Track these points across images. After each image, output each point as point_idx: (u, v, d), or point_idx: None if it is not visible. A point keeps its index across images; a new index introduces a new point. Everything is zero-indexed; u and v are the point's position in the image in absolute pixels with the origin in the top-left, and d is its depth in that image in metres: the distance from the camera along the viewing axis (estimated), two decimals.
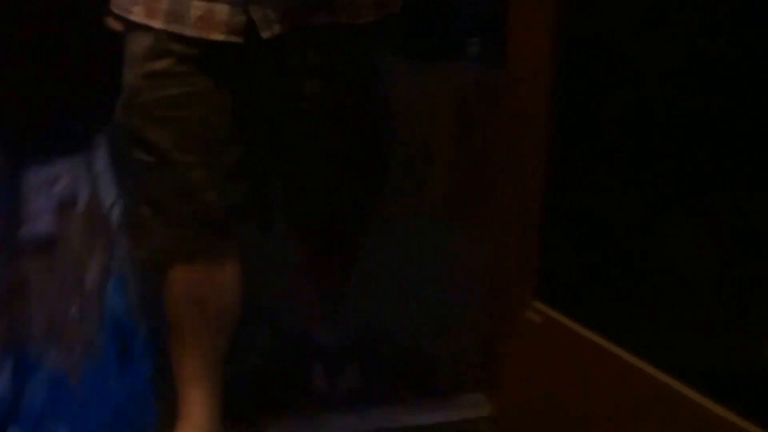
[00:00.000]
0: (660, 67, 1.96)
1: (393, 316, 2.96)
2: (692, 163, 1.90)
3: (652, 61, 1.97)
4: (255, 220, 2.09)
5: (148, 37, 1.91)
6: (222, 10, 1.86)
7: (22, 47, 2.56)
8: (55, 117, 2.61)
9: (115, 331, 2.38)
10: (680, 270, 1.95)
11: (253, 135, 1.99)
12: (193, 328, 2.04)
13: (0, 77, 2.51)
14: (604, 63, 2.05)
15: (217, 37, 1.87)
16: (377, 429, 2.41)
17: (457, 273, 3.33)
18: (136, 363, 2.34)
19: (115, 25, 2.00)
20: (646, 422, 1.94)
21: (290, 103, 2.01)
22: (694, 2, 1.87)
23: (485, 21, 4.33)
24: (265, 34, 1.87)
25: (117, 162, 2.43)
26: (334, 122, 2.06)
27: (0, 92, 2.51)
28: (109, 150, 2.51)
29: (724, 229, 1.88)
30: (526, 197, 2.13)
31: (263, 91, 1.97)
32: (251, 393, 2.47)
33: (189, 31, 1.87)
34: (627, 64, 2.03)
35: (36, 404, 2.28)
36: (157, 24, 1.90)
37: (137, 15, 1.91)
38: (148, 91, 1.94)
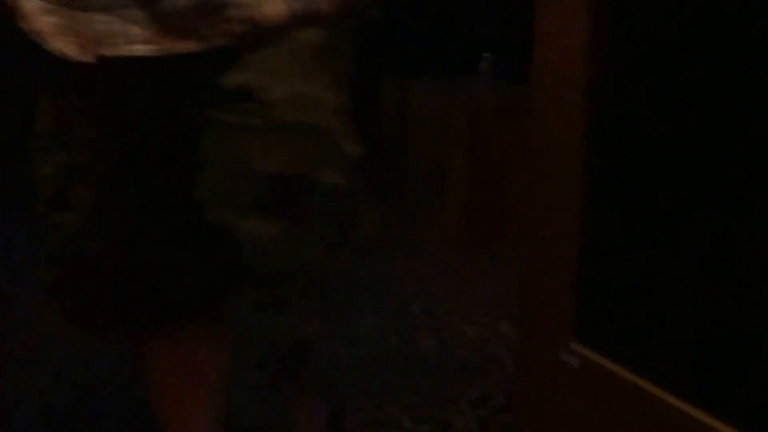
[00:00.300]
0: (703, 84, 1.76)
1: (410, 354, 2.80)
2: (740, 197, 1.71)
3: (694, 80, 1.77)
4: None
5: None
6: None
7: None
8: None
9: None
10: (734, 310, 1.75)
11: None
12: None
13: None
14: (643, 94, 1.85)
15: None
16: None
17: (478, 306, 3.17)
18: None
19: None
20: None
21: None
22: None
23: (496, 37, 4.42)
24: None
25: None
26: None
27: None
28: None
29: None
30: (562, 228, 1.93)
31: None
32: None
33: None
34: (666, 90, 1.83)
35: None
36: None
37: None
38: None
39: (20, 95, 2.07)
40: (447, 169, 3.96)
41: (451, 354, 2.81)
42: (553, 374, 1.98)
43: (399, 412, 2.47)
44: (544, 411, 2.06)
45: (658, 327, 1.86)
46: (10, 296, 3.07)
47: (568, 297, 1.93)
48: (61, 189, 1.55)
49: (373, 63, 1.91)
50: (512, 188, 3.81)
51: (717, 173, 1.74)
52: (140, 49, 1.41)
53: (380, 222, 4.19)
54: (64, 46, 1.40)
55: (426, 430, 2.41)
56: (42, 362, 2.68)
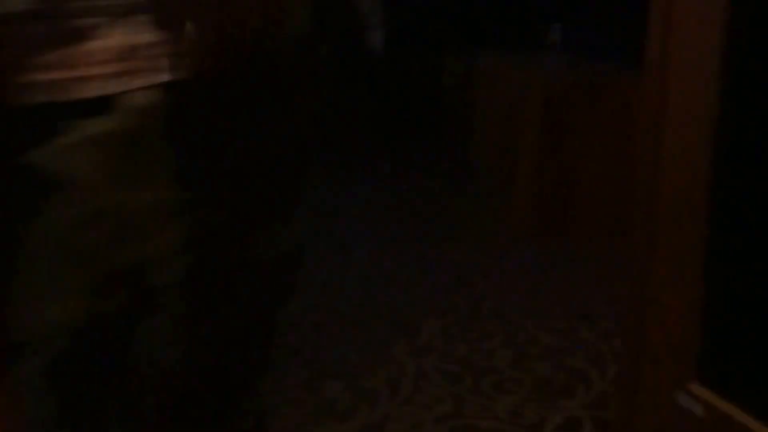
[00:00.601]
0: None
1: (482, 366, 2.52)
2: None
3: None
4: None
5: None
6: None
7: None
8: None
9: None
10: None
11: None
12: None
13: None
14: None
15: None
16: None
17: (554, 307, 2.89)
18: None
19: None
20: None
21: None
22: None
23: (565, 7, 4.15)
24: None
25: None
26: None
27: None
28: None
29: None
30: (686, 241, 1.63)
31: None
32: None
33: None
34: None
35: None
36: None
37: None
38: None
39: None
40: (516, 151, 3.69)
41: (528, 367, 2.53)
42: (667, 418, 1.69)
43: None
44: None
45: None
46: None
47: (692, 330, 1.63)
48: None
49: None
50: (587, 172, 3.52)
51: None
52: None
53: (443, 209, 3.93)
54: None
55: None
56: None
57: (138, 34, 0.97)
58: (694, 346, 1.62)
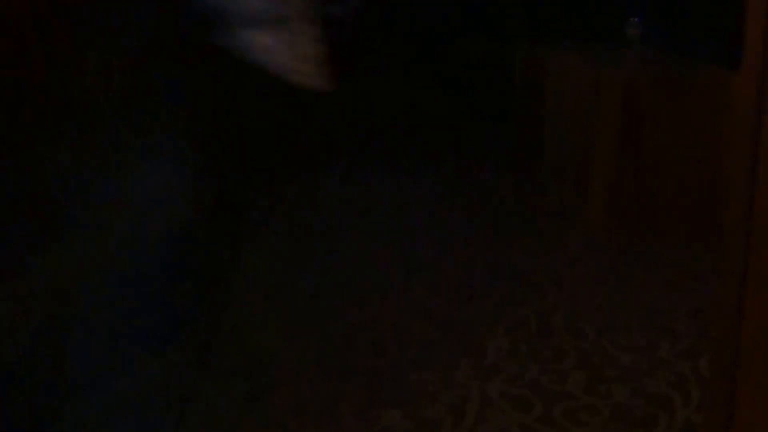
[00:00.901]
0: None
1: (555, 389, 2.31)
2: None
3: None
4: None
5: None
6: None
7: None
8: None
9: None
10: None
11: None
12: None
13: None
14: None
15: None
16: None
17: (631, 321, 2.67)
18: None
19: None
20: None
21: None
22: None
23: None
24: None
25: None
26: None
27: None
28: None
29: None
30: None
31: None
32: None
33: None
34: None
35: None
36: None
37: None
38: None
39: None
40: (592, 149, 3.47)
41: (604, 392, 2.31)
42: None
43: None
44: None
45: None
46: None
47: None
48: None
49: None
50: (667, 173, 3.30)
51: None
52: None
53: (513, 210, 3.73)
54: None
55: None
56: None
57: None
58: None
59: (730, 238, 1.51)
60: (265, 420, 2.12)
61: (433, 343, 2.55)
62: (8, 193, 1.18)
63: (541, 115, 3.90)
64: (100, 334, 1.25)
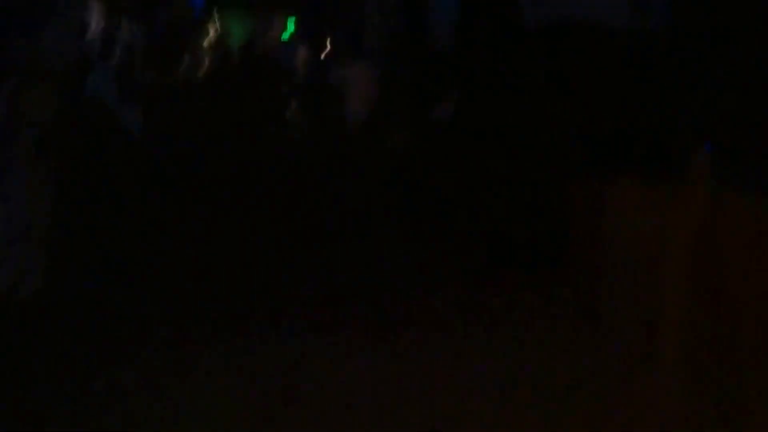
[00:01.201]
0: None
1: None
2: None
3: None
4: None
5: None
6: None
7: None
8: None
9: None
10: None
11: None
12: None
13: None
14: None
15: None
16: None
17: None
18: None
19: None
20: None
21: None
22: None
23: (713, 129, 3.83)
24: None
25: None
26: None
27: None
28: None
29: None
30: None
31: None
32: None
33: None
34: None
35: None
36: None
37: None
38: None
39: None
40: (659, 298, 3.18)
41: None
42: None
43: None
44: None
45: None
46: None
47: None
48: None
49: None
50: (755, 329, 2.93)
51: None
52: None
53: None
54: None
55: None
56: None
57: None
58: None
59: None
60: None
61: None
62: None
63: (599, 257, 3.66)
64: None
